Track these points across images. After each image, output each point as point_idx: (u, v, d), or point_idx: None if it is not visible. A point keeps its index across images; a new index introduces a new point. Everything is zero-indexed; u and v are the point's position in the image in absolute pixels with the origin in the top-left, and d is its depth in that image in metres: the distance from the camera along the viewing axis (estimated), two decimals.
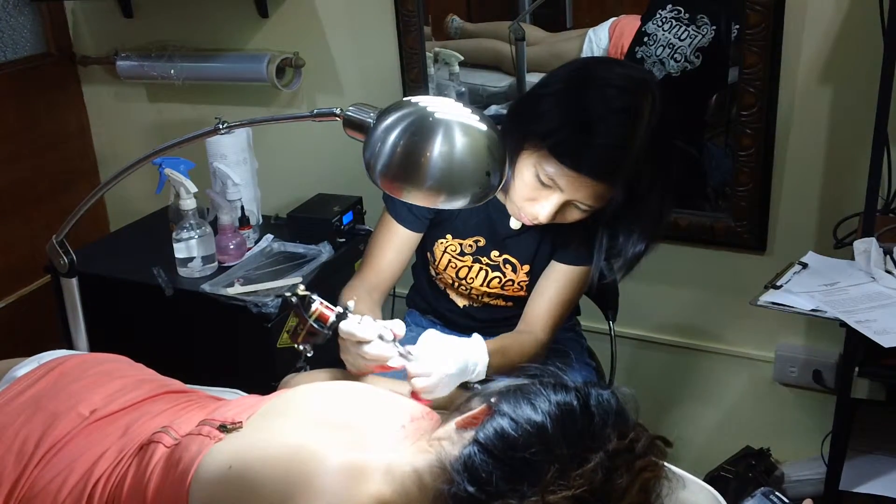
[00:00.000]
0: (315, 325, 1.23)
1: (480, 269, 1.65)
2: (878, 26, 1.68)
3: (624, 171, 1.37)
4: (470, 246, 1.64)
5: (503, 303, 1.71)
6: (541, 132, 1.38)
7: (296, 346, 1.26)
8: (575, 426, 0.98)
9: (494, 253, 1.64)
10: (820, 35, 1.89)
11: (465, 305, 1.74)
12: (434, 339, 1.30)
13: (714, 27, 2.04)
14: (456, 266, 1.66)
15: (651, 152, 1.37)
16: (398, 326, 1.28)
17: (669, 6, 2.09)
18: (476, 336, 1.39)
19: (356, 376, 1.35)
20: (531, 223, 1.48)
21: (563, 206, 1.43)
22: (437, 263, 1.68)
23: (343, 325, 1.24)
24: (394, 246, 1.62)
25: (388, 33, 2.32)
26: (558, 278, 1.59)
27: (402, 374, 1.30)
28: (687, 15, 2.05)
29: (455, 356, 1.29)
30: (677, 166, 1.46)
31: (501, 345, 1.47)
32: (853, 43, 1.86)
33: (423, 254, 1.73)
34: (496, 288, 1.67)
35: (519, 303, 1.66)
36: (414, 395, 1.27)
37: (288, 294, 1.25)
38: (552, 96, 1.41)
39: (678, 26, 2.05)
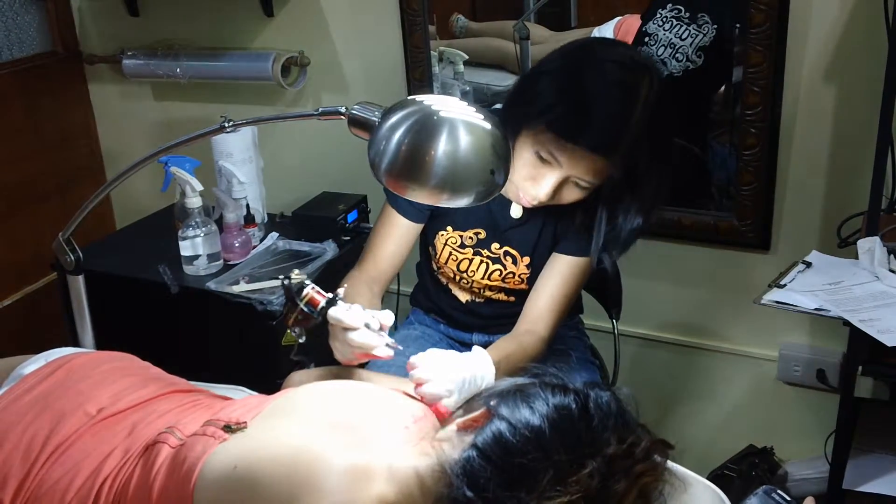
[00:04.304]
0: (305, 310, 1.25)
1: (481, 261, 1.66)
2: (882, 25, 1.68)
3: (622, 146, 1.38)
4: (470, 238, 1.65)
5: (505, 297, 1.71)
6: (539, 109, 1.40)
7: (289, 330, 1.29)
8: (573, 430, 0.98)
9: (495, 245, 1.64)
10: (824, 34, 1.89)
11: (467, 301, 1.74)
12: (437, 354, 1.29)
13: (715, 26, 2.03)
14: (457, 259, 1.67)
15: (649, 133, 1.39)
16: (386, 317, 1.28)
17: (670, 5, 2.09)
18: (477, 349, 1.37)
19: (358, 375, 1.36)
20: (531, 204, 1.49)
21: (563, 186, 1.44)
22: (438, 257, 1.69)
23: (331, 312, 1.25)
24: (395, 237, 1.63)
25: (393, 32, 2.33)
26: (560, 271, 1.60)
27: (404, 372, 1.30)
28: (687, 14, 2.05)
29: (459, 369, 1.28)
30: (676, 149, 1.48)
31: (505, 353, 1.46)
32: (857, 42, 1.86)
33: (425, 249, 1.73)
34: (497, 281, 1.67)
35: (521, 297, 1.66)
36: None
37: (282, 277, 1.27)
38: (550, 74, 1.43)
39: (679, 25, 2.05)
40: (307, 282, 1.27)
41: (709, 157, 2.19)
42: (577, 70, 1.41)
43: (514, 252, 1.64)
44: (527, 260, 1.64)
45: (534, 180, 1.45)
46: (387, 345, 1.27)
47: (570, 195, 1.47)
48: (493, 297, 1.71)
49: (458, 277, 1.70)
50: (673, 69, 2.08)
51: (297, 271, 1.28)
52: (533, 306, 1.60)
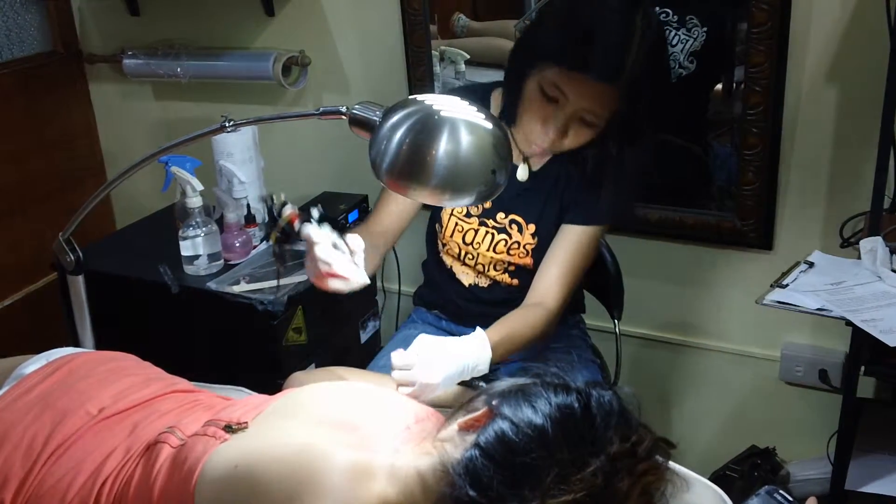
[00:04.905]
0: (285, 228, 1.34)
1: (487, 232, 1.67)
2: (884, 25, 1.68)
3: (624, 73, 1.44)
4: (476, 206, 1.66)
5: (509, 279, 1.71)
6: (543, 44, 1.49)
7: (272, 247, 1.38)
8: (576, 429, 0.97)
9: (500, 215, 1.67)
10: (826, 34, 1.89)
11: (471, 284, 1.74)
12: (427, 344, 1.31)
13: (705, 29, 2.02)
14: (462, 229, 1.68)
15: (648, 64, 1.46)
16: (354, 240, 1.32)
17: (657, 8, 2.07)
18: (479, 331, 1.39)
19: (360, 376, 1.36)
20: (542, 148, 1.54)
21: (571, 125, 1.50)
22: (444, 231, 1.70)
23: (303, 228, 1.32)
24: (398, 197, 1.64)
25: (394, 32, 2.33)
26: (569, 240, 1.62)
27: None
28: (676, 17, 2.03)
29: (448, 360, 1.30)
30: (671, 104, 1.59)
31: (508, 331, 1.48)
32: (859, 42, 1.85)
33: (432, 232, 1.76)
34: (502, 252, 1.68)
35: (524, 280, 1.66)
36: None
37: (264, 196, 1.33)
38: (551, 13, 1.55)
39: (668, 31, 2.02)
40: (289, 203, 1.35)
41: (710, 157, 2.19)
42: (576, 5, 1.51)
43: (519, 219, 1.65)
44: (532, 228, 1.65)
45: (543, 122, 1.51)
46: (353, 262, 1.30)
47: (581, 135, 1.52)
48: (497, 277, 1.71)
49: (463, 252, 1.71)
50: None
51: (283, 195, 1.36)
52: (541, 279, 1.61)
